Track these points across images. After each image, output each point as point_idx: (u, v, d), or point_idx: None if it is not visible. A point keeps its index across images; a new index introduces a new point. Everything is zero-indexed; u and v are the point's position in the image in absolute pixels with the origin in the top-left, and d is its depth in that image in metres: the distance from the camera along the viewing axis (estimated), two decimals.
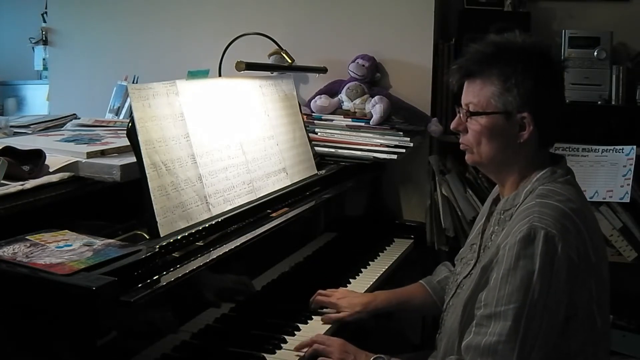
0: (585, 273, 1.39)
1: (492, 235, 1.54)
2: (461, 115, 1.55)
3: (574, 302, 1.38)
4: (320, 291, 1.86)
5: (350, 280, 2.09)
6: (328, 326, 1.75)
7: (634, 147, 2.52)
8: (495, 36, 1.55)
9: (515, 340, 1.33)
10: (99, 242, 1.38)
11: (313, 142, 2.36)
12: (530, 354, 1.34)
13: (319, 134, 2.54)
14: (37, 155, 1.68)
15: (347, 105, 2.66)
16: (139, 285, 1.30)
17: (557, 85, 1.53)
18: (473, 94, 1.52)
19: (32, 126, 2.30)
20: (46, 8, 3.44)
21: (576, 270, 1.36)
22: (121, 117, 2.80)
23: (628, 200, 2.48)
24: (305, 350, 1.58)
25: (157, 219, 1.52)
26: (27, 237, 1.39)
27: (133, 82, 2.89)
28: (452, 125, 1.58)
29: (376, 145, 2.47)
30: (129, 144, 1.59)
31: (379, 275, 2.16)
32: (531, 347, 1.34)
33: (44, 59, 4.09)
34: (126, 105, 2.81)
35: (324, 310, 1.82)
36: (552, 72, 1.52)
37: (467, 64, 1.53)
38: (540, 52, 1.52)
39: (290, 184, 2.07)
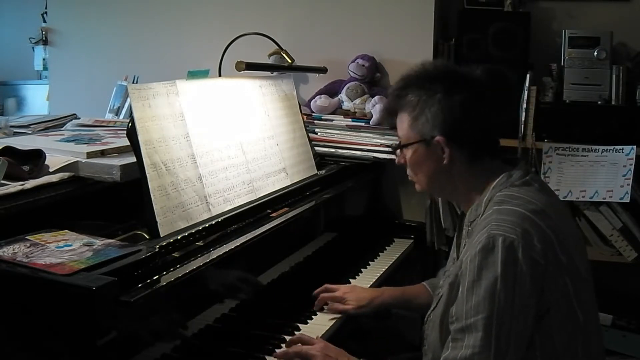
0: (555, 271, 1.38)
1: (464, 249, 1.54)
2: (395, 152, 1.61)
3: (545, 300, 1.37)
4: (327, 285, 1.87)
5: (350, 280, 2.09)
6: (328, 326, 1.75)
7: (634, 147, 2.52)
8: (408, 69, 1.57)
9: (489, 350, 1.34)
10: (99, 242, 1.38)
11: (313, 142, 2.37)
12: (505, 359, 1.35)
13: (319, 134, 2.54)
14: (37, 155, 1.68)
15: (347, 105, 2.66)
16: (139, 285, 1.30)
17: (467, 100, 1.49)
18: (398, 128, 1.58)
19: (32, 126, 2.30)
20: (46, 8, 3.43)
21: (542, 270, 1.36)
22: (121, 117, 2.80)
23: (628, 200, 2.48)
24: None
25: (157, 219, 1.52)
26: (27, 237, 1.39)
27: (133, 82, 2.89)
28: (396, 162, 1.62)
29: (376, 145, 2.47)
30: (129, 144, 1.59)
31: (379, 275, 2.16)
32: (505, 352, 1.34)
33: (44, 59, 4.08)
34: (126, 105, 2.81)
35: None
36: (458, 89, 1.49)
37: (389, 104, 1.61)
38: (442, 74, 1.53)
39: (290, 184, 2.07)
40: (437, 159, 1.51)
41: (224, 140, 1.83)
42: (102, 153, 1.75)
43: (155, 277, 1.35)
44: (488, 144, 1.55)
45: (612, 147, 2.55)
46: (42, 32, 3.42)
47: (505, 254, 1.33)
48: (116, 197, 1.67)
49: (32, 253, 1.30)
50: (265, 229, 1.74)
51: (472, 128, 1.50)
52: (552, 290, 1.38)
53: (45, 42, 3.39)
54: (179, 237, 1.52)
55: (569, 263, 1.41)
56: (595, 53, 2.62)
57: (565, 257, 1.40)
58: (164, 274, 1.38)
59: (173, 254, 1.47)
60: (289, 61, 2.66)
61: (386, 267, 2.25)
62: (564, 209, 1.59)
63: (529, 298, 1.35)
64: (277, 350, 1.58)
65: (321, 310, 1.83)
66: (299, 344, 1.59)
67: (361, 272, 2.18)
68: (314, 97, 2.70)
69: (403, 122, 1.55)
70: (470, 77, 1.53)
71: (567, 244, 1.42)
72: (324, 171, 2.30)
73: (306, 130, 2.31)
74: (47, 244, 1.36)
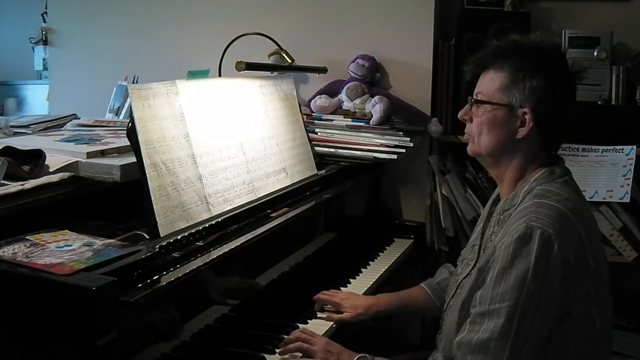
0: (582, 274, 1.39)
1: (492, 236, 1.55)
2: (469, 104, 1.58)
3: (569, 302, 1.38)
4: (324, 291, 1.87)
5: (350, 280, 2.09)
6: (327, 327, 1.75)
7: (634, 147, 2.52)
8: (517, 35, 1.58)
9: (508, 338, 1.34)
10: (99, 242, 1.38)
11: (313, 142, 2.36)
12: (521, 352, 1.35)
13: (319, 134, 2.54)
14: (37, 155, 1.68)
15: (347, 105, 2.66)
16: (139, 285, 1.30)
17: (566, 90, 1.53)
18: (483, 84, 1.56)
19: (32, 126, 2.30)
20: (46, 8, 3.44)
21: (572, 270, 1.37)
22: (121, 117, 2.80)
23: (628, 200, 2.48)
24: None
25: (157, 219, 1.52)
26: (27, 237, 1.39)
27: (133, 82, 2.89)
28: (460, 114, 1.61)
29: (376, 145, 2.47)
30: (129, 144, 1.58)
31: (379, 275, 2.16)
32: (522, 344, 1.35)
33: (44, 59, 4.09)
34: (126, 105, 2.81)
35: (326, 308, 1.83)
36: (563, 77, 1.52)
37: (483, 56, 1.58)
38: (554, 54, 1.55)
39: (290, 184, 2.07)
40: (512, 130, 1.51)
41: (224, 140, 1.83)
42: (102, 153, 1.75)
43: (155, 277, 1.35)
44: (561, 137, 1.58)
45: (612, 147, 2.55)
46: (42, 32, 3.43)
47: (541, 247, 1.34)
48: (116, 197, 1.67)
49: (32, 253, 1.30)
50: (265, 229, 1.74)
51: (560, 117, 1.52)
52: (576, 293, 1.39)
53: (45, 42, 3.40)
54: (179, 237, 1.52)
55: (595, 267, 1.42)
56: (595, 53, 2.62)
57: (592, 260, 1.41)
58: (164, 274, 1.38)
59: (173, 254, 1.47)
60: (289, 61, 2.66)
61: (386, 267, 2.25)
62: (591, 211, 1.60)
63: (556, 295, 1.36)
64: (279, 344, 1.59)
65: (321, 311, 1.83)
66: (301, 335, 1.59)
67: (361, 272, 2.18)
68: (314, 97, 2.70)
69: (493, 80, 1.53)
70: (573, 70, 1.55)
71: (595, 245, 1.44)
72: (324, 171, 2.30)
73: (306, 130, 2.31)
74: (47, 244, 1.35)
